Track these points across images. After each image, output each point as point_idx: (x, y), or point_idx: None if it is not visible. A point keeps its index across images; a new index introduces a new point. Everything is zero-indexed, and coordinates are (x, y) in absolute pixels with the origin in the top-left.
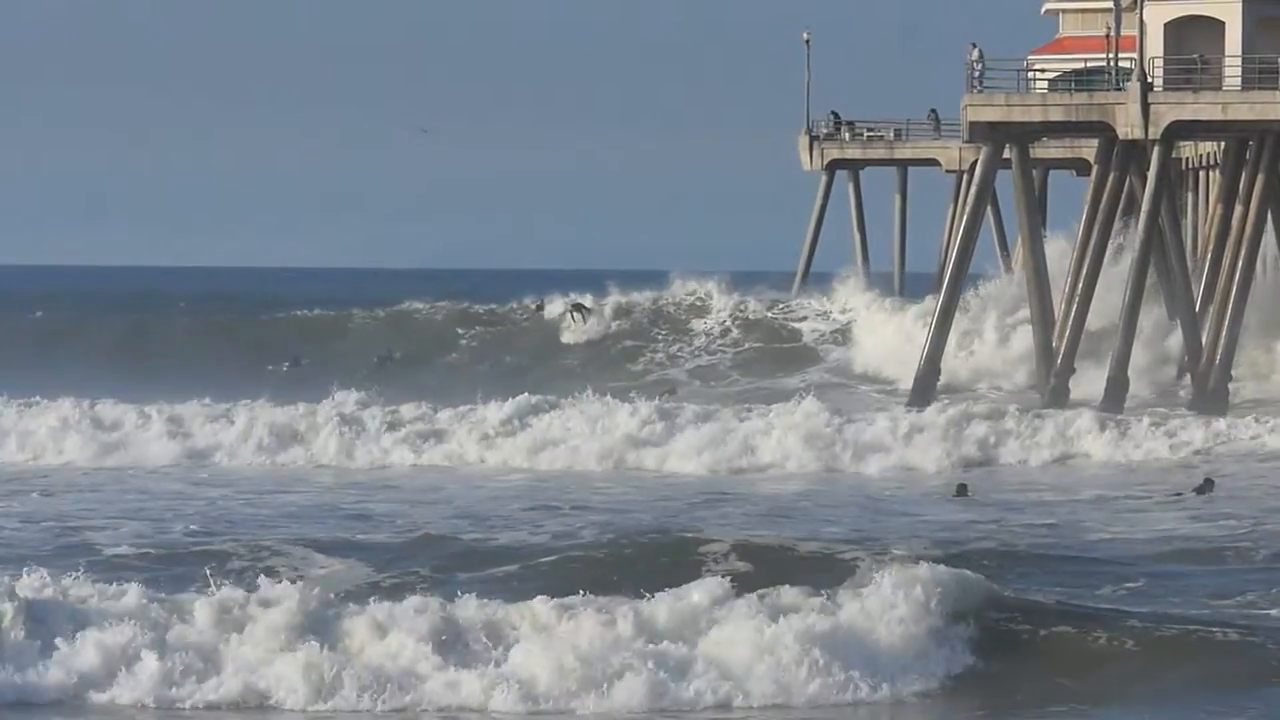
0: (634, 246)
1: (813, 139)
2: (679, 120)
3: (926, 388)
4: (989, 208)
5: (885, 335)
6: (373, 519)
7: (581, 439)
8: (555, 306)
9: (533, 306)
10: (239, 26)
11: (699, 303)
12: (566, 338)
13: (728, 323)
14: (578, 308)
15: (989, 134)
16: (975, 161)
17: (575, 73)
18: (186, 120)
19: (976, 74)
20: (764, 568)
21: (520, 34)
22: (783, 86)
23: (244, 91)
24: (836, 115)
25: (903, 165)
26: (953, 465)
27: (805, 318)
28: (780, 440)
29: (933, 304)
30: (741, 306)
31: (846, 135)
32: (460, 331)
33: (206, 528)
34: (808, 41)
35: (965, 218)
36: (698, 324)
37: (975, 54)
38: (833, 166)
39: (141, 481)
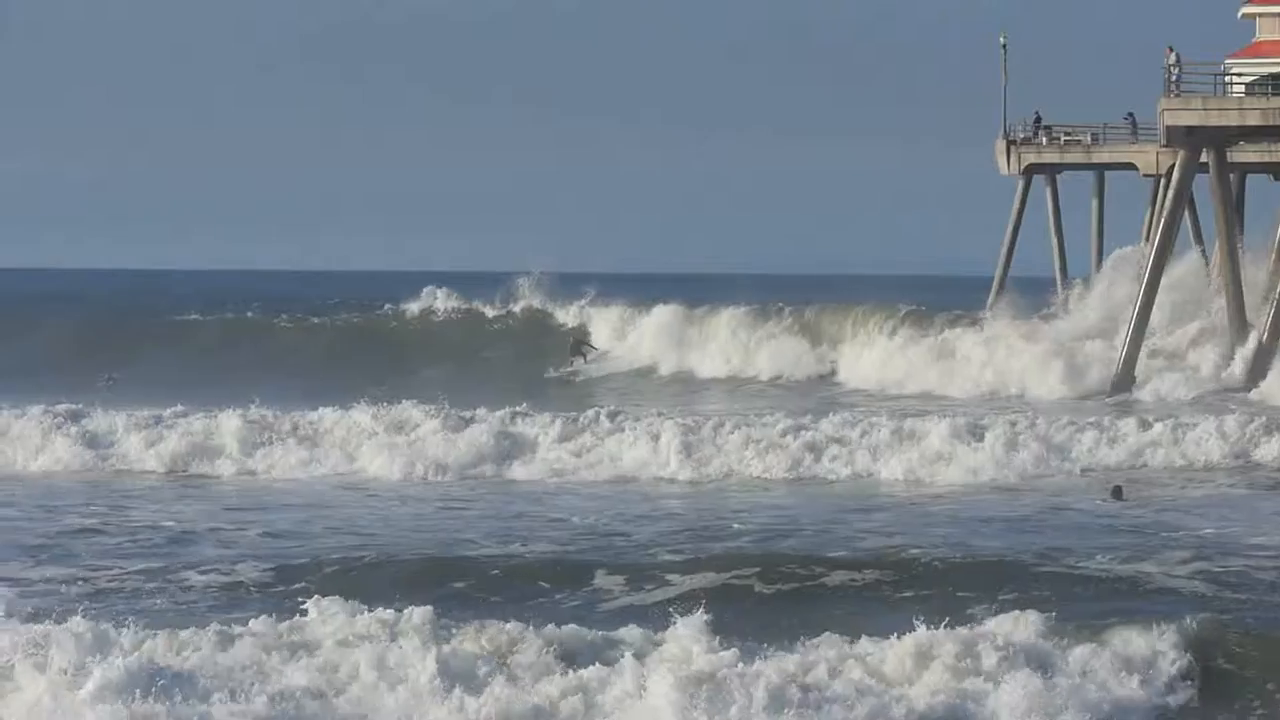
0: (828, 252)
1: (1010, 144)
2: (876, 124)
3: (1124, 386)
4: (1186, 211)
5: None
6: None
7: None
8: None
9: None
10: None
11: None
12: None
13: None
14: (579, 345)
15: (1186, 137)
16: (1172, 165)
17: (769, 76)
18: None
19: (1174, 78)
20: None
21: (721, 37)
22: (981, 91)
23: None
24: (1039, 115)
25: (1100, 169)
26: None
27: None
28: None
29: None
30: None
31: (1043, 139)
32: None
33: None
34: (1004, 45)
35: (1162, 221)
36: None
37: (1173, 58)
38: (1030, 171)
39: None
